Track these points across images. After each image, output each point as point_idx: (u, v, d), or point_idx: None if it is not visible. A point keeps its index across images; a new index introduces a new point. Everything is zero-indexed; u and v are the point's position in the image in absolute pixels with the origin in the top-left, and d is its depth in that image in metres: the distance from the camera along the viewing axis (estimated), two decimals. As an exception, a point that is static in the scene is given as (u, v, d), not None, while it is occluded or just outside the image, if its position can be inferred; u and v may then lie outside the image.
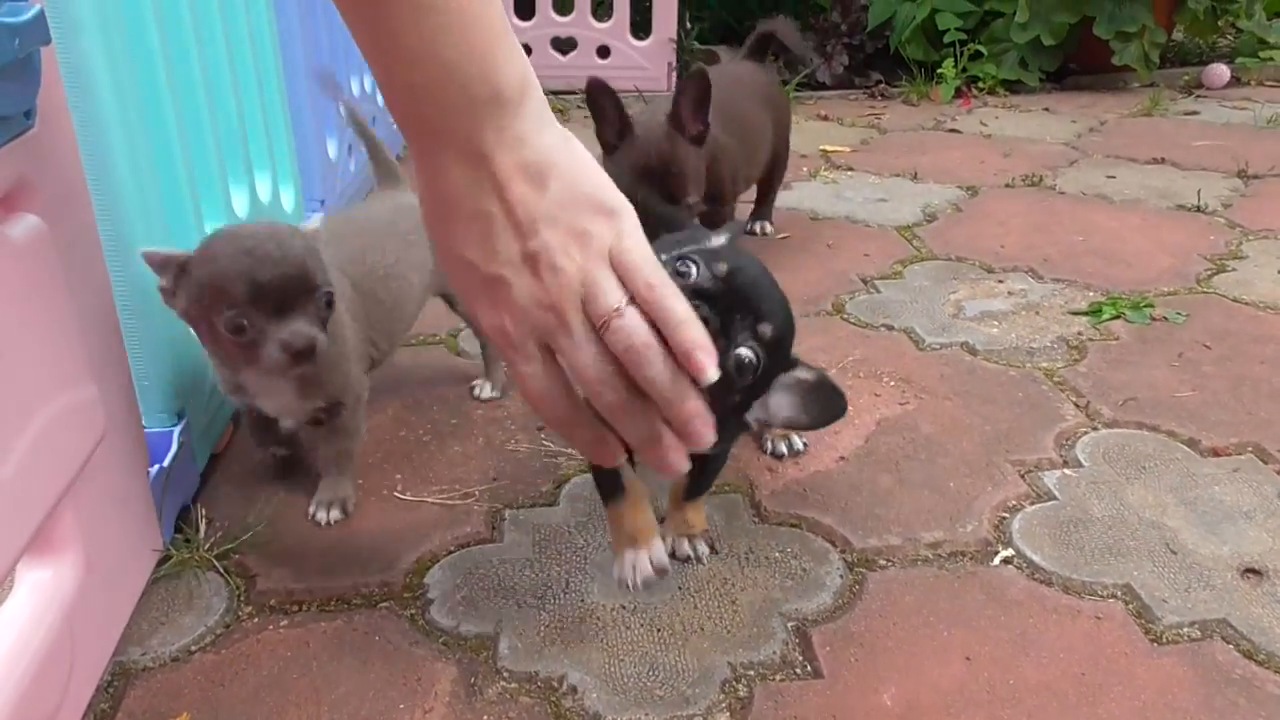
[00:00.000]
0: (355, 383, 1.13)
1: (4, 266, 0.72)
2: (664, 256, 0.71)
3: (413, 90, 0.62)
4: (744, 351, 0.75)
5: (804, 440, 1.26)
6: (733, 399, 0.76)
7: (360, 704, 0.88)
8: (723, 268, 0.75)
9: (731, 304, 0.75)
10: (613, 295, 0.63)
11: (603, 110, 1.52)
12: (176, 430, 1.08)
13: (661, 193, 1.50)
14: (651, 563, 0.92)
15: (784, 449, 1.25)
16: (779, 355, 0.79)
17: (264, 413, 1.13)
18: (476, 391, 1.39)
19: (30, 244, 0.76)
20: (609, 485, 0.96)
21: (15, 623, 0.77)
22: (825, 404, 0.81)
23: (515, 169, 0.64)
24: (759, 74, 1.97)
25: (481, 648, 0.94)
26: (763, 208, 2.02)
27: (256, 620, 0.98)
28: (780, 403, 0.81)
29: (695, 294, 0.71)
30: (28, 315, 0.75)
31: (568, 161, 0.65)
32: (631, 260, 0.64)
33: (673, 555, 1.03)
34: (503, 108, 0.63)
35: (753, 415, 0.80)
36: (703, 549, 1.06)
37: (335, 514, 1.13)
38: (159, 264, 0.95)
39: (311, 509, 1.13)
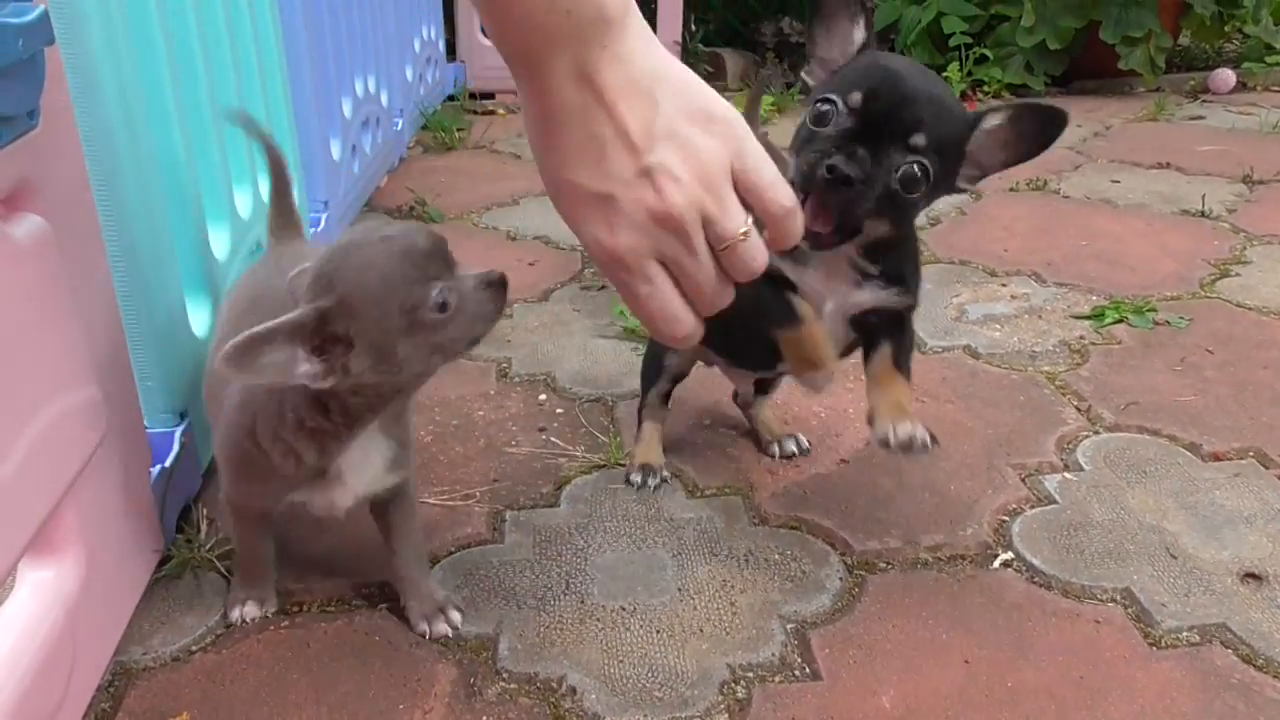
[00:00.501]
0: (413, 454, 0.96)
1: (7, 266, 0.72)
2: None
3: (518, 10, 0.61)
4: (905, 170, 0.83)
5: (808, 442, 1.26)
6: (920, 204, 0.87)
7: (360, 704, 0.88)
8: (857, 97, 0.83)
9: (878, 127, 0.83)
10: (738, 217, 0.64)
11: None
12: (178, 431, 1.09)
13: None
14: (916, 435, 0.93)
15: (793, 448, 1.25)
16: (950, 139, 0.86)
17: (330, 508, 0.90)
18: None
19: (33, 244, 0.76)
20: (781, 311, 0.96)
21: (16, 622, 0.78)
22: (1040, 127, 0.86)
23: (625, 86, 0.63)
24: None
25: (481, 648, 0.95)
26: None
27: (258, 620, 0.98)
28: (989, 155, 0.88)
29: (839, 138, 0.83)
30: (30, 315, 0.75)
31: (677, 76, 0.64)
32: (756, 180, 0.65)
33: (886, 444, 0.93)
34: (608, 26, 0.62)
35: (965, 181, 0.89)
36: (922, 434, 0.93)
37: (455, 616, 0.97)
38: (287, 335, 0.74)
39: (422, 626, 0.96)
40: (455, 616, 0.97)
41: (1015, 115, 0.87)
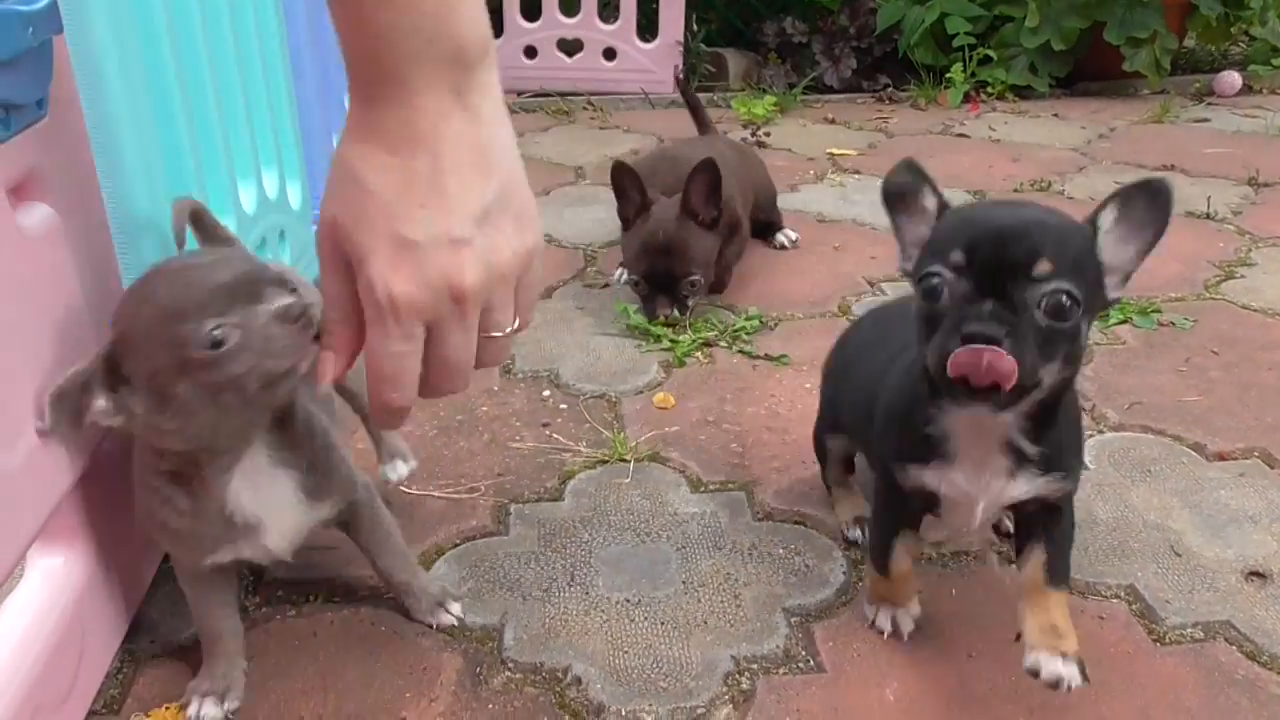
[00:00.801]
0: (356, 472, 0.91)
1: (17, 255, 0.72)
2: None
3: (377, 31, 0.60)
4: (1048, 300, 0.73)
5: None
6: (1081, 333, 0.77)
7: (367, 693, 0.88)
8: (959, 256, 0.75)
9: (995, 275, 0.73)
10: (508, 315, 0.69)
11: (624, 189, 1.66)
12: (185, 422, 1.09)
13: (665, 268, 1.61)
14: (911, 618, 0.95)
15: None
16: (1075, 253, 0.76)
17: (268, 557, 0.85)
18: (389, 474, 1.14)
19: (42, 233, 0.77)
20: (883, 560, 0.94)
21: (27, 609, 0.78)
22: (1147, 204, 0.80)
23: (466, 145, 0.64)
24: (715, 142, 2.10)
25: (487, 639, 0.95)
26: (774, 224, 2.03)
27: (265, 610, 0.98)
28: (1120, 254, 0.80)
29: (961, 305, 0.74)
30: (40, 304, 0.76)
31: (511, 161, 0.67)
32: (528, 297, 0.70)
33: (1035, 675, 0.81)
34: (463, 69, 0.62)
35: (1114, 292, 0.81)
36: (1072, 675, 0.81)
37: (455, 607, 0.97)
38: (68, 393, 0.71)
39: (429, 619, 0.96)
40: (456, 607, 0.97)
41: (1123, 204, 0.80)
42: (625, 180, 1.64)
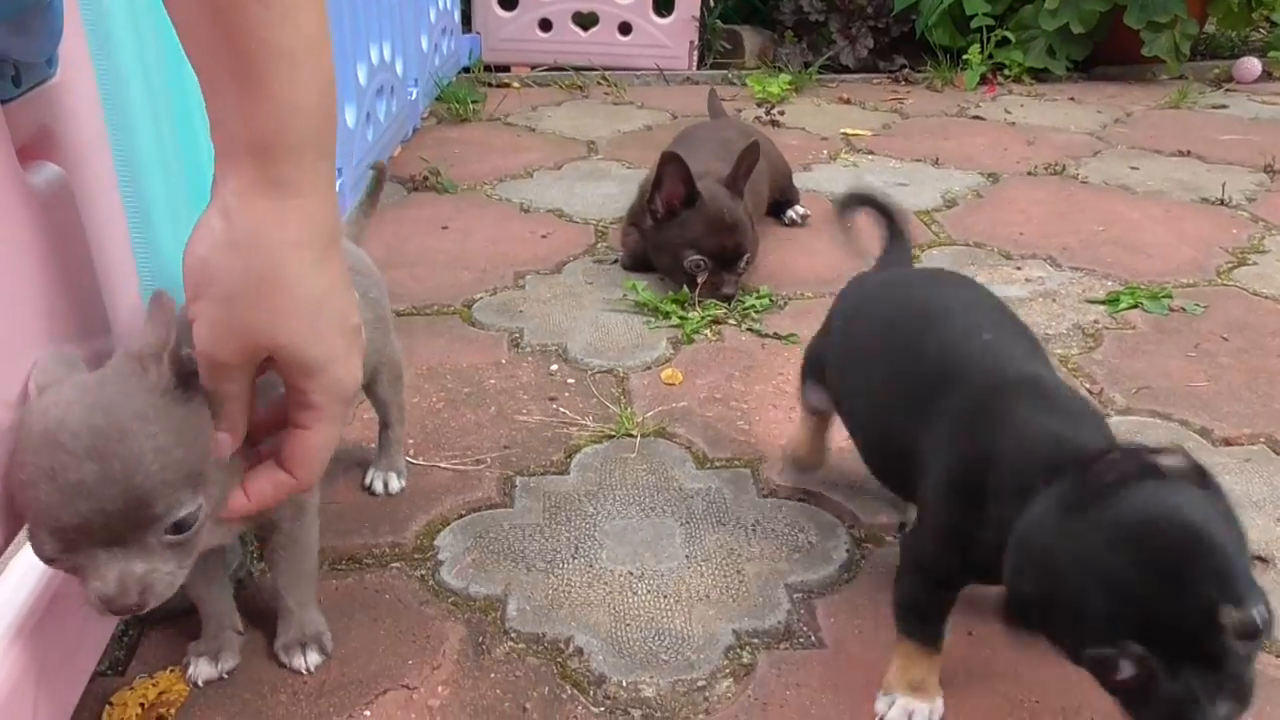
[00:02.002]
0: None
1: (27, 214, 0.72)
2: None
3: (272, 123, 0.60)
4: (1252, 623, 0.60)
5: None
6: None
7: (370, 659, 0.89)
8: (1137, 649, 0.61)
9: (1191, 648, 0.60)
10: None
11: (667, 178, 1.63)
12: (194, 388, 1.09)
13: (734, 245, 1.62)
14: (932, 715, 0.83)
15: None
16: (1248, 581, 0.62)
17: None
18: (375, 485, 1.13)
19: (52, 193, 0.77)
20: (926, 632, 0.83)
21: (35, 569, 0.79)
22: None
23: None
24: (732, 126, 2.15)
25: (490, 609, 0.95)
26: (789, 201, 2.03)
27: (269, 576, 0.99)
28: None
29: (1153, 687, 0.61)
30: (51, 263, 0.76)
31: None
32: None
33: None
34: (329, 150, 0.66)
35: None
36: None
37: (313, 657, 0.88)
38: None
39: (280, 654, 0.89)
40: (314, 657, 0.88)
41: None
42: (674, 171, 1.61)
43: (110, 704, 0.82)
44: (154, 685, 0.84)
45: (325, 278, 0.65)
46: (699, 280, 1.62)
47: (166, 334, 0.67)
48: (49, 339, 0.75)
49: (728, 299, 1.61)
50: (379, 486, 1.12)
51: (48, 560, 0.65)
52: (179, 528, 0.65)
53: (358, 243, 1.14)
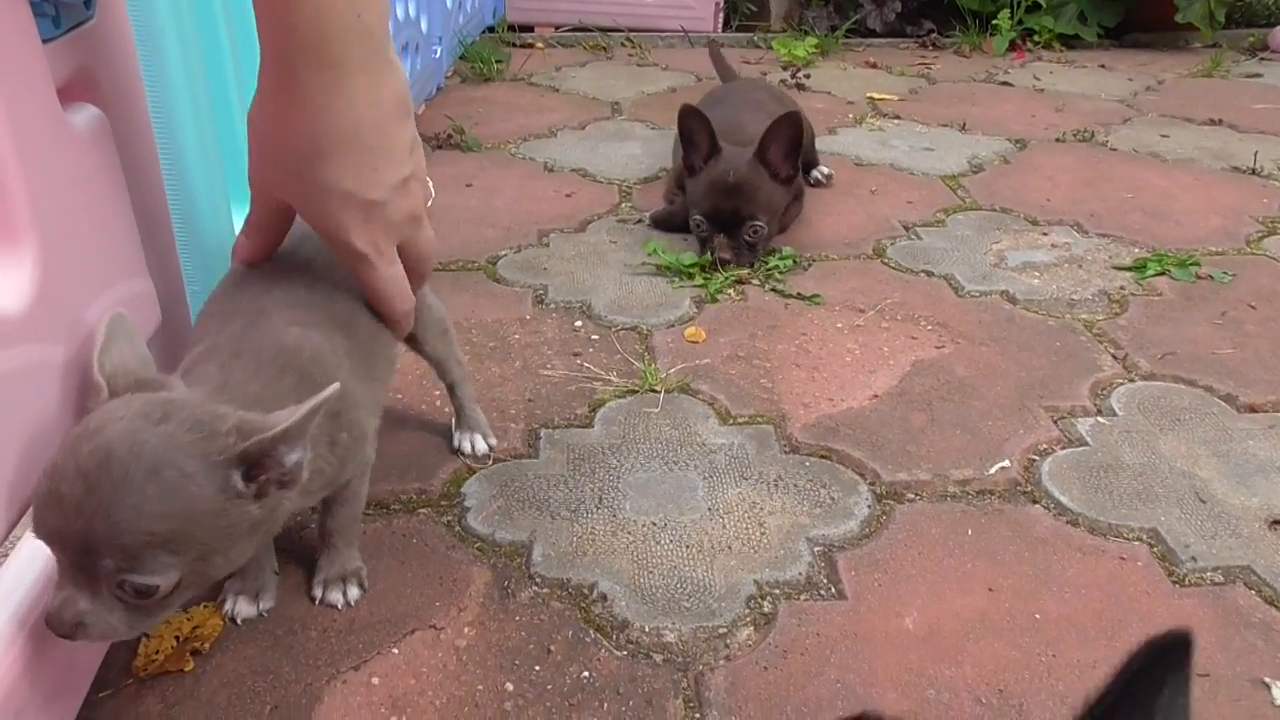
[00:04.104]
0: (368, 451, 0.88)
1: (68, 153, 0.74)
2: None
3: (317, 13, 0.69)
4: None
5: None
6: None
7: (398, 600, 0.91)
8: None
9: None
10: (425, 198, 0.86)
11: (693, 134, 1.62)
12: (225, 335, 1.11)
13: (731, 208, 1.59)
14: None
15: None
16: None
17: None
18: (464, 446, 1.12)
19: (92, 133, 0.78)
20: None
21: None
22: None
23: (396, 101, 0.76)
24: (760, 85, 2.15)
25: (515, 554, 0.97)
26: (811, 163, 2.02)
27: (297, 519, 1.01)
28: None
29: None
30: (91, 202, 0.77)
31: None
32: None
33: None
34: (382, 35, 0.74)
35: None
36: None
37: (354, 591, 0.90)
38: None
39: (317, 591, 0.90)
40: (354, 592, 0.91)
41: None
42: (694, 125, 1.60)
43: (146, 636, 0.84)
44: (188, 619, 0.86)
45: (347, 162, 0.75)
46: (703, 239, 1.62)
47: (269, 440, 0.63)
48: (88, 278, 0.76)
49: (722, 264, 1.57)
50: (466, 447, 1.11)
51: None
52: (136, 591, 0.61)
53: None
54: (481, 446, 1.12)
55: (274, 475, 0.65)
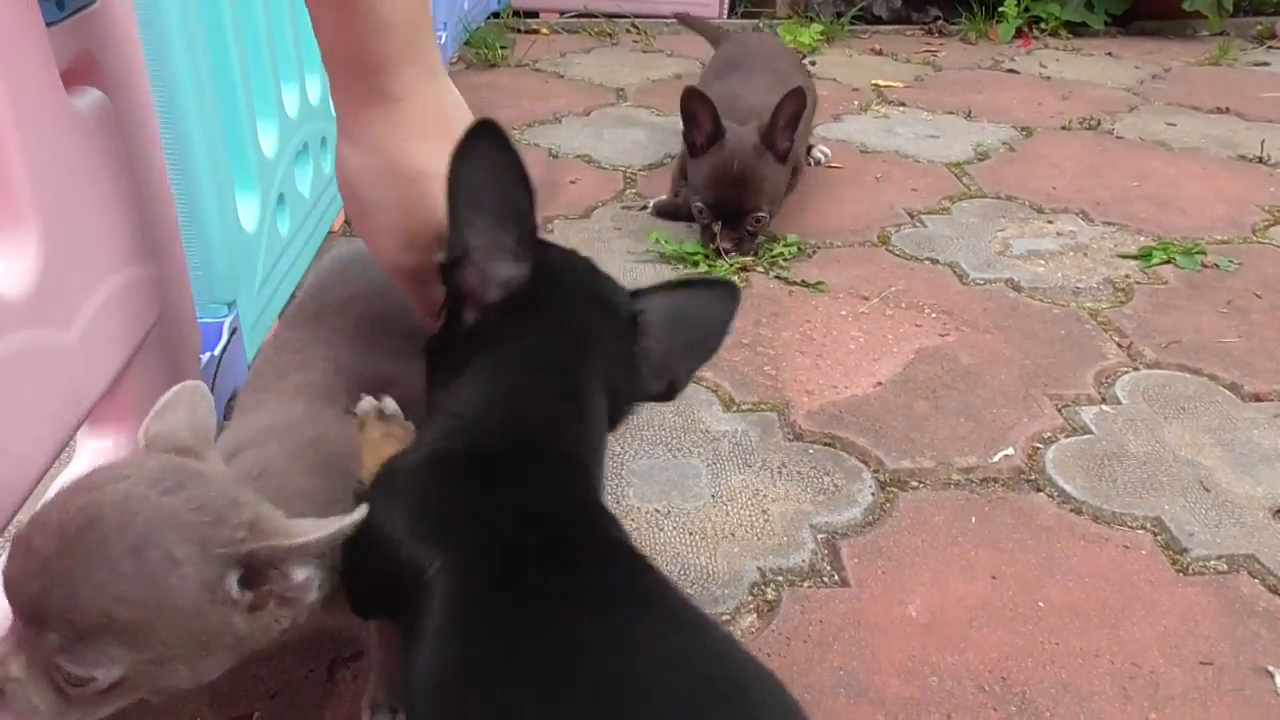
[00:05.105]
0: None
1: (71, 137, 0.73)
2: None
3: (365, 36, 0.65)
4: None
5: None
6: None
7: (399, 585, 0.91)
8: None
9: None
10: None
11: (695, 116, 1.56)
12: (227, 320, 1.11)
13: (735, 200, 1.56)
14: None
15: None
16: None
17: None
18: None
19: (94, 117, 0.77)
20: None
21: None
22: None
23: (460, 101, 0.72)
24: (772, 38, 2.13)
25: (517, 541, 0.97)
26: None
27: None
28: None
29: None
30: (93, 187, 0.77)
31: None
32: None
33: None
34: (436, 44, 0.71)
35: None
36: None
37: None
38: None
39: (366, 716, 0.76)
40: None
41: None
42: (697, 106, 1.55)
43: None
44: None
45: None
46: (704, 226, 1.60)
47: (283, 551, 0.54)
48: (90, 263, 0.76)
49: (723, 253, 1.56)
50: None
51: None
52: (67, 678, 0.51)
53: None
54: None
55: (277, 588, 0.55)
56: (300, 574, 0.55)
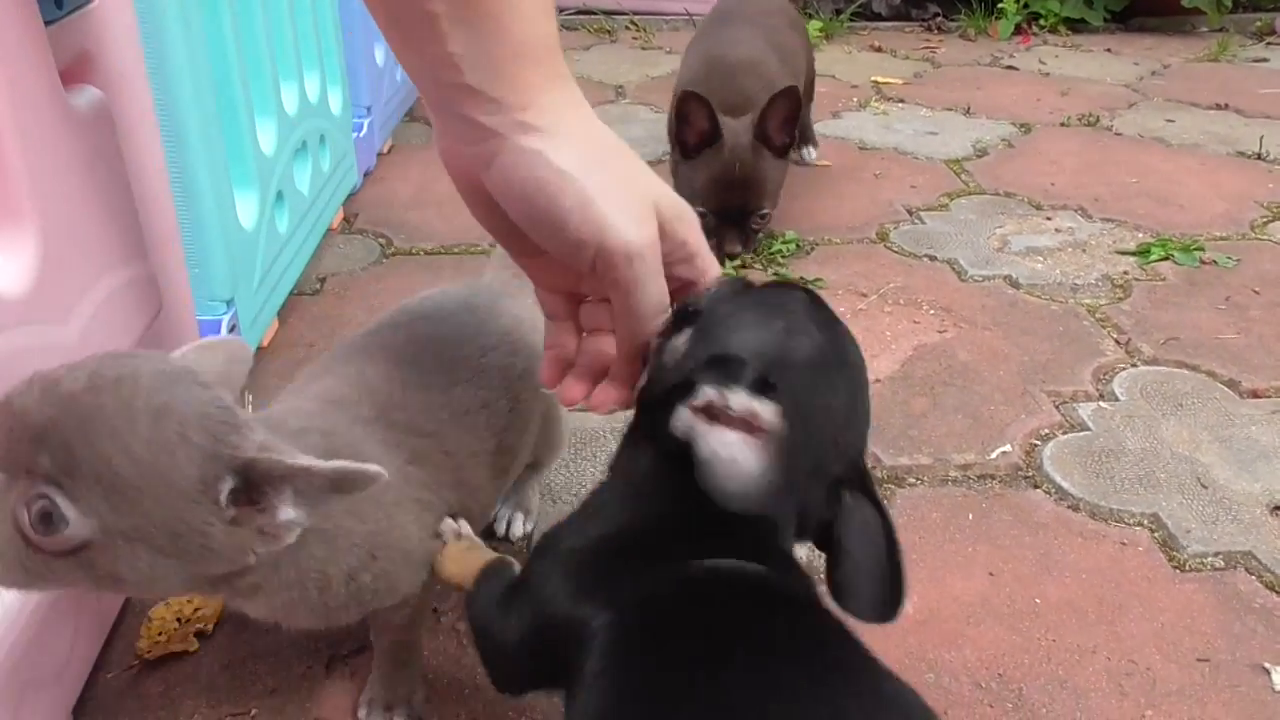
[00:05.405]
0: (408, 582, 0.70)
1: (69, 135, 0.73)
2: None
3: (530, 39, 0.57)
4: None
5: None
6: None
7: (398, 582, 0.91)
8: None
9: None
10: None
11: (689, 116, 1.52)
12: (225, 317, 1.11)
13: (739, 202, 1.53)
14: None
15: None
16: None
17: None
18: (510, 529, 0.98)
19: (92, 116, 0.78)
20: None
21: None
22: None
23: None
24: (785, 4, 2.00)
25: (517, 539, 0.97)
26: (805, 134, 2.00)
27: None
28: None
29: None
30: (92, 185, 0.77)
31: None
32: None
33: None
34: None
35: None
36: None
37: None
38: None
39: (361, 713, 0.78)
40: (417, 711, 0.79)
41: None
42: (693, 108, 1.49)
43: (149, 618, 0.85)
44: (189, 601, 0.86)
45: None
46: (708, 230, 1.56)
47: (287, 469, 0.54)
48: (89, 261, 0.76)
49: (731, 257, 1.54)
50: (499, 526, 0.98)
51: None
52: (42, 517, 0.50)
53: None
54: (518, 530, 0.98)
55: (261, 520, 0.55)
56: (286, 512, 0.54)
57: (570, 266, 0.61)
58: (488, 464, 0.76)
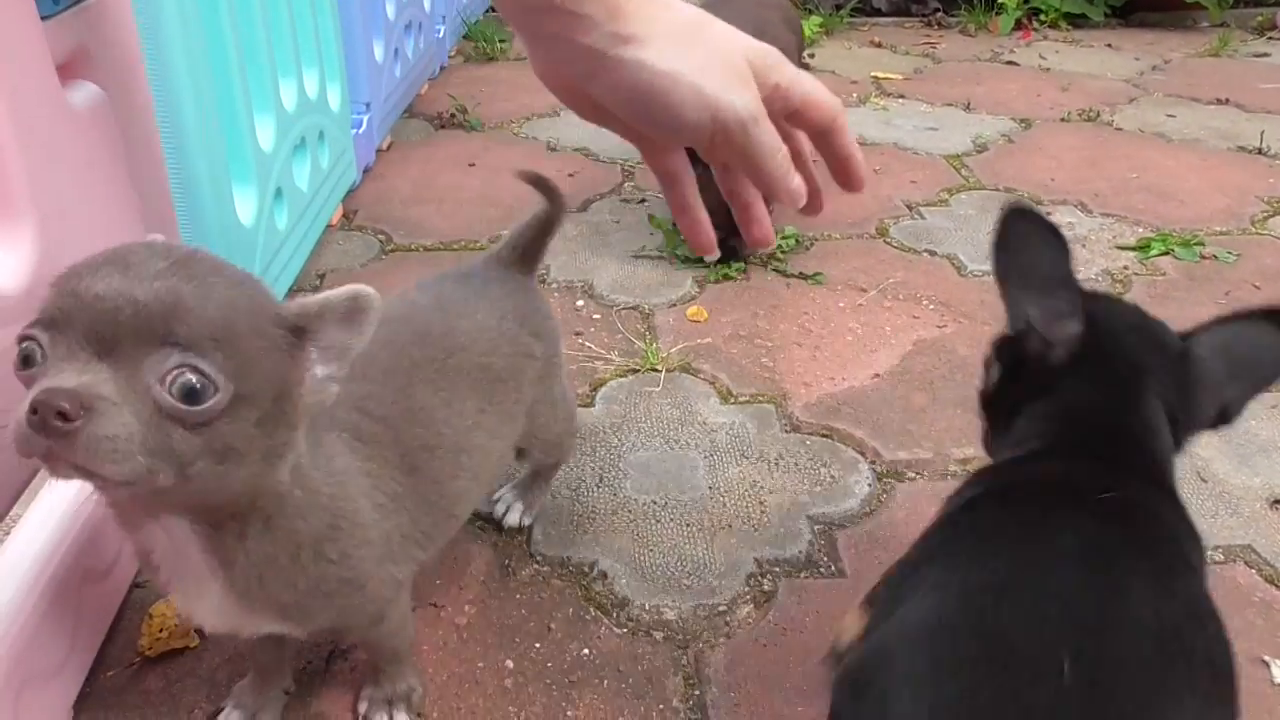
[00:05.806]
0: (380, 595, 0.69)
1: (67, 130, 0.74)
2: None
3: None
4: None
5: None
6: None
7: (397, 577, 0.91)
8: None
9: None
10: None
11: None
12: (226, 314, 1.11)
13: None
14: None
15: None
16: None
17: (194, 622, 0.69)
18: (505, 516, 0.98)
19: (91, 111, 0.78)
20: None
21: (74, 485, 0.81)
22: None
23: None
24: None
25: (516, 533, 0.97)
26: None
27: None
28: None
29: None
30: (90, 180, 0.77)
31: None
32: None
33: None
34: None
35: None
36: None
37: (402, 716, 0.78)
38: None
39: (362, 706, 0.78)
40: (402, 717, 0.78)
41: None
42: None
43: (150, 615, 0.85)
44: (191, 597, 0.86)
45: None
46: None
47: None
48: (85, 250, 0.76)
49: (733, 251, 1.53)
50: (498, 511, 0.98)
51: (17, 367, 0.51)
52: (187, 393, 0.48)
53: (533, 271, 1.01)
54: (514, 519, 0.98)
55: (306, 378, 0.56)
56: (322, 369, 0.56)
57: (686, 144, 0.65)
58: (449, 460, 0.74)
